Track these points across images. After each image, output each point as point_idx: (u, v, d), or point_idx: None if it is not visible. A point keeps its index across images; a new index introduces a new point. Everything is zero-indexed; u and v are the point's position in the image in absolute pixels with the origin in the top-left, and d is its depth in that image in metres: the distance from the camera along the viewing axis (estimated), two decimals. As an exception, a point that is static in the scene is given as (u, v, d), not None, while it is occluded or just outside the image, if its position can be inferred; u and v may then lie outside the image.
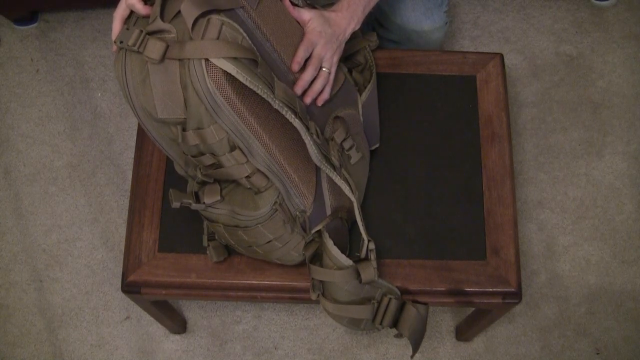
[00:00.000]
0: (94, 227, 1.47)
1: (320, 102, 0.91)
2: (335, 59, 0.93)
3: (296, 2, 0.90)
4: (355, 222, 0.95)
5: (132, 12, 0.78)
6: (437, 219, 1.00)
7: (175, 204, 0.81)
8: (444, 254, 0.98)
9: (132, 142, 1.51)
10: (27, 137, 1.55)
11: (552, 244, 1.46)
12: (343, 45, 0.94)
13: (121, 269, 0.99)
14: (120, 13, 0.78)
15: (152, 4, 0.75)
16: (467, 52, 1.12)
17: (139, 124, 1.05)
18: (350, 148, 0.95)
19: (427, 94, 1.08)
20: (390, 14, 1.19)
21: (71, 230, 1.47)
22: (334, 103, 0.94)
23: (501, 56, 1.10)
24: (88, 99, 1.58)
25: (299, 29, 0.89)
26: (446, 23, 1.21)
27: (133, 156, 1.06)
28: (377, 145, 1.03)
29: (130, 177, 1.48)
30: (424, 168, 1.03)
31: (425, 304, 0.95)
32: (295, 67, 0.87)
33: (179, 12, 0.71)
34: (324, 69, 0.90)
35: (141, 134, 1.05)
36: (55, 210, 1.49)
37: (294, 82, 0.86)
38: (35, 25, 1.64)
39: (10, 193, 1.50)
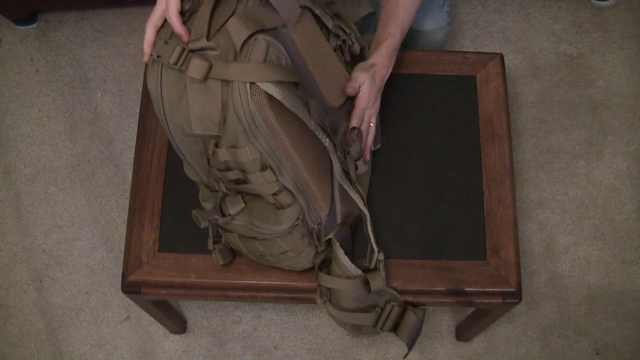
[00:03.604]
0: (94, 227, 1.47)
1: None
2: (378, 105, 0.98)
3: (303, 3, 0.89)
4: (357, 224, 0.95)
5: (165, 22, 0.75)
6: (437, 219, 1.00)
7: (204, 224, 0.81)
8: (444, 254, 0.98)
9: (132, 142, 1.51)
10: (27, 137, 1.54)
11: (552, 244, 1.46)
12: (382, 88, 0.98)
13: (121, 269, 0.99)
14: (153, 22, 0.76)
15: (184, 21, 0.73)
16: (467, 52, 1.12)
17: (139, 123, 1.05)
18: (359, 159, 0.96)
19: (427, 94, 1.08)
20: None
21: (71, 230, 1.47)
22: (343, 111, 0.94)
23: (501, 56, 1.10)
24: (88, 99, 1.58)
25: (330, 51, 0.91)
26: (448, 23, 1.21)
27: (133, 156, 1.06)
28: (377, 147, 1.03)
29: (130, 177, 1.48)
30: (424, 168, 1.03)
31: (423, 305, 0.95)
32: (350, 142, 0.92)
33: (222, 27, 0.70)
34: (372, 125, 0.96)
35: (141, 134, 1.05)
36: (55, 210, 1.48)
37: (321, 98, 0.87)
38: (35, 25, 1.64)
39: (10, 193, 1.50)
